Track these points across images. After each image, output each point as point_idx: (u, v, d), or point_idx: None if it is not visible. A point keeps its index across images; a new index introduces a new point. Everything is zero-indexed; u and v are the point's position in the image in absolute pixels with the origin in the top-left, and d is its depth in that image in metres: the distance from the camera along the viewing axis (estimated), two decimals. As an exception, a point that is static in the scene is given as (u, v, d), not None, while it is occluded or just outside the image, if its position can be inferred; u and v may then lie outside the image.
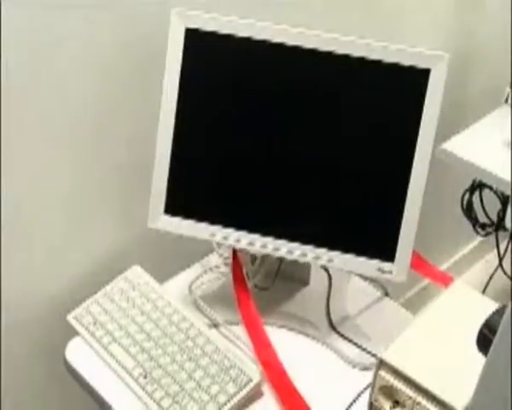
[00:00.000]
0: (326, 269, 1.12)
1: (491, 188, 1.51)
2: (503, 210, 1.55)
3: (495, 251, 1.69)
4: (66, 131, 1.06)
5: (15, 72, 0.96)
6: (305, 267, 1.13)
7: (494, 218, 1.62)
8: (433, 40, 1.47)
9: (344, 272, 1.15)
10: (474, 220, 1.62)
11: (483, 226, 1.64)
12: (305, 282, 1.15)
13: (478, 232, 1.65)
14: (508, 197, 1.46)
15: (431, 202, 1.18)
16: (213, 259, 1.20)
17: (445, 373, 0.80)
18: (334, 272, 1.13)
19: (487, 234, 1.64)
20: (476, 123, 1.44)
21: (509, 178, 1.28)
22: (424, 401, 0.83)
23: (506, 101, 1.43)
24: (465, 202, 1.60)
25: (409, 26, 1.46)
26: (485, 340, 0.61)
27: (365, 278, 1.17)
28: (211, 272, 1.18)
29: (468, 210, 1.60)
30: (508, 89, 1.43)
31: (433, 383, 0.83)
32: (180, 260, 1.19)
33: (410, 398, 0.84)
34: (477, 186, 1.57)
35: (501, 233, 1.61)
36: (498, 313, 0.60)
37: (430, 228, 1.20)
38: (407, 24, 1.46)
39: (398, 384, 0.85)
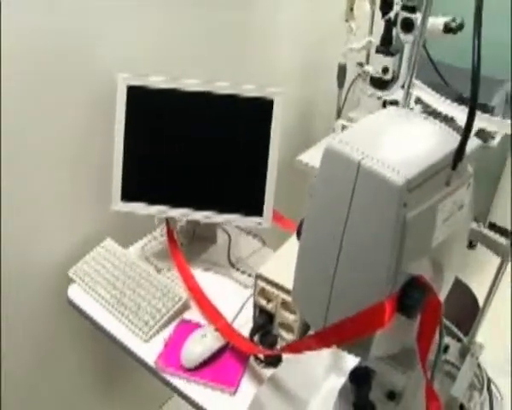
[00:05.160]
0: (226, 231, 1.27)
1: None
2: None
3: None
4: (66, 163, 1.14)
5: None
6: (213, 230, 1.27)
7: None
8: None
9: (237, 233, 1.28)
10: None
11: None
12: (213, 240, 1.28)
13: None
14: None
15: (291, 195, 1.32)
16: (156, 233, 1.31)
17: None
18: (231, 233, 1.26)
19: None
20: (317, 143, 1.56)
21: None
22: (281, 293, 0.95)
23: (333, 130, 1.56)
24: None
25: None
26: (300, 225, 0.65)
27: (248, 233, 1.31)
28: (155, 240, 1.29)
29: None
30: (335, 122, 1.57)
31: (284, 280, 0.94)
32: (136, 233, 1.30)
33: (274, 293, 0.96)
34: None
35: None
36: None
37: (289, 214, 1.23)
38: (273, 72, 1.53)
39: (268, 287, 0.97)
